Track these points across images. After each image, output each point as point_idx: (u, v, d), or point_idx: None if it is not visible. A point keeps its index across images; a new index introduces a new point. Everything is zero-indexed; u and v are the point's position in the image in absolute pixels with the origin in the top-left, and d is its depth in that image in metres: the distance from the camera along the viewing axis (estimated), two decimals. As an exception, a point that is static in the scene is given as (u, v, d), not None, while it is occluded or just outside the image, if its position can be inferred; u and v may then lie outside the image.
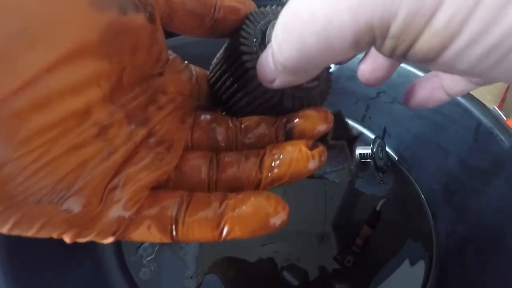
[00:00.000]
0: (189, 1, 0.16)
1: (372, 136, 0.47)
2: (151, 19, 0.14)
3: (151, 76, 0.15)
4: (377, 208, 0.36)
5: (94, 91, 0.12)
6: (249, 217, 0.14)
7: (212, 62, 0.19)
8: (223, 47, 0.18)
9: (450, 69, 0.10)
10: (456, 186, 0.36)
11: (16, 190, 0.11)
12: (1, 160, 0.10)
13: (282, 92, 0.16)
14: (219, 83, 0.18)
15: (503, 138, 0.31)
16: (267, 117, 0.17)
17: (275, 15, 0.17)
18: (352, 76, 0.48)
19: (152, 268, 0.32)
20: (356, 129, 0.41)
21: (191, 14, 0.16)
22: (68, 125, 0.12)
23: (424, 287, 0.32)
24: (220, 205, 0.14)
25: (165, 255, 0.33)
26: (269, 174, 0.15)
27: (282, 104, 0.16)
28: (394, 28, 0.09)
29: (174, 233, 0.14)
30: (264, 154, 0.16)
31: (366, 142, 0.47)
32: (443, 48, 0.09)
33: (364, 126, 0.50)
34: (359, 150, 0.43)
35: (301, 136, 0.16)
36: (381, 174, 0.42)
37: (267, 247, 0.34)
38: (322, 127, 0.16)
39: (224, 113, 0.19)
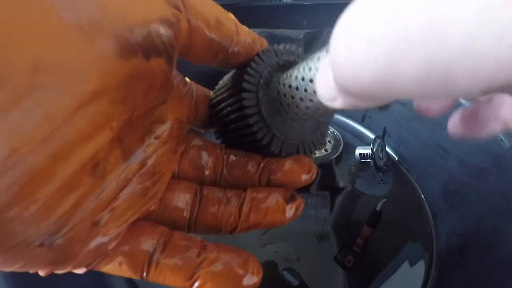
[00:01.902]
0: (209, 37, 0.15)
1: (372, 136, 0.47)
2: (169, 60, 0.13)
3: (155, 107, 0.15)
4: (377, 209, 0.36)
5: (106, 134, 0.12)
6: (222, 276, 0.14)
7: (219, 82, 0.19)
8: (230, 74, 0.18)
9: None
10: (456, 186, 0.36)
11: (10, 236, 0.10)
12: (3, 208, 0.10)
13: (272, 136, 0.16)
14: (218, 108, 0.18)
15: (503, 138, 0.31)
16: (254, 157, 0.17)
17: (287, 55, 0.17)
18: (352, 76, 0.47)
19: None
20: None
21: (208, 48, 0.15)
22: (73, 170, 0.11)
23: (424, 287, 0.32)
24: (198, 255, 0.14)
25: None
26: (246, 220, 0.16)
27: (270, 147, 0.16)
28: None
29: (145, 273, 0.14)
30: (244, 199, 0.16)
31: (366, 142, 0.47)
32: None
33: (364, 126, 0.50)
34: (359, 150, 0.43)
35: (282, 184, 0.16)
36: (381, 174, 0.42)
37: (267, 247, 0.34)
38: (304, 178, 0.16)
39: (217, 134, 0.19)
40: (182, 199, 0.16)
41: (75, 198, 0.12)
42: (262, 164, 0.17)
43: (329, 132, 0.47)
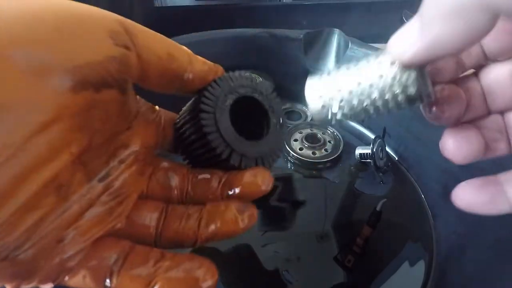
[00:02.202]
0: (162, 68, 0.16)
1: (372, 136, 0.47)
2: (122, 91, 0.15)
3: (118, 133, 0.17)
4: (378, 209, 0.36)
5: (65, 157, 0.13)
6: (178, 281, 0.15)
7: (182, 108, 0.21)
8: (191, 100, 0.20)
9: None
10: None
11: None
12: None
13: (230, 151, 0.18)
14: (181, 131, 0.20)
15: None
16: (216, 173, 0.19)
17: (240, 82, 0.20)
18: (352, 76, 0.48)
19: (152, 268, 0.32)
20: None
21: (162, 78, 0.17)
22: (34, 191, 0.13)
23: (424, 287, 0.32)
24: (155, 264, 0.15)
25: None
26: (203, 233, 0.17)
27: (229, 161, 0.18)
28: None
29: (107, 283, 0.15)
30: (202, 215, 0.17)
31: (366, 142, 0.47)
32: None
33: (364, 126, 0.50)
34: (359, 150, 0.43)
35: (243, 195, 0.18)
36: (381, 174, 0.42)
37: (267, 247, 0.34)
38: (262, 189, 0.18)
39: (183, 156, 0.21)
40: (148, 218, 0.17)
41: (38, 216, 0.13)
42: (223, 179, 0.18)
43: (329, 132, 0.47)
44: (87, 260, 0.15)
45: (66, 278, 0.15)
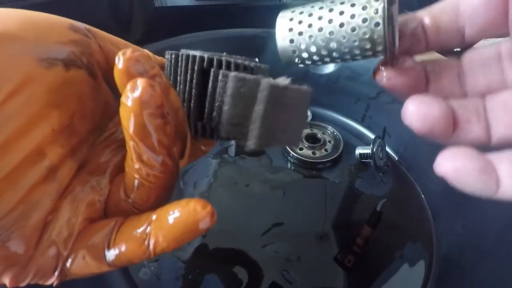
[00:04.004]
0: None
1: (372, 136, 0.48)
2: (92, 74, 0.16)
3: (104, 125, 0.18)
4: (378, 209, 0.36)
5: (45, 129, 0.14)
6: (174, 226, 0.14)
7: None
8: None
9: None
10: (456, 186, 0.36)
11: None
12: None
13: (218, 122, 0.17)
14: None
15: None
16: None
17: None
18: (352, 76, 0.48)
19: (152, 268, 0.32)
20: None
21: None
22: (18, 161, 0.13)
23: (424, 287, 0.32)
24: (148, 221, 0.15)
25: (165, 255, 0.33)
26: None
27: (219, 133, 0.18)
28: None
29: (107, 257, 0.15)
30: None
31: (366, 142, 0.47)
32: None
33: (364, 126, 0.50)
34: (359, 150, 0.43)
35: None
36: (381, 174, 0.42)
37: (267, 247, 0.34)
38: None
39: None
40: (118, 185, 0.17)
41: (27, 195, 0.14)
42: None
43: (329, 132, 0.47)
44: (82, 240, 0.15)
45: (68, 264, 0.15)
